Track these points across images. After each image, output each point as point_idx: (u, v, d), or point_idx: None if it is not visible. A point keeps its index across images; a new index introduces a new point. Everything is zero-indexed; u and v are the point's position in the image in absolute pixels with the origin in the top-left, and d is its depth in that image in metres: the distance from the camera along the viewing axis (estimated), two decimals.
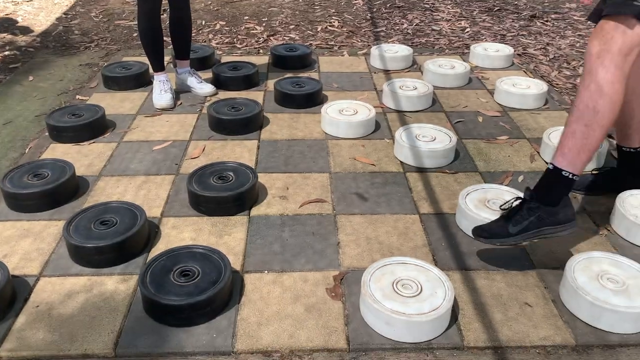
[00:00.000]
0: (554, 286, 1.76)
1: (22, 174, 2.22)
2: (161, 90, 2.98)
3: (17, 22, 4.75)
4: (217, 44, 4.24)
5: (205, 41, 4.27)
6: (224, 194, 2.06)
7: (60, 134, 2.64)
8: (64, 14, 4.99)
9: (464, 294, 1.73)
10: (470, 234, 1.88)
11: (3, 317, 1.63)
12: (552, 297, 1.72)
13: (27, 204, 2.10)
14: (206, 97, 3.13)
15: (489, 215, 1.93)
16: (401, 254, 1.89)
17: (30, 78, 3.59)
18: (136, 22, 4.69)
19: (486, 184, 2.19)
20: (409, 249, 1.93)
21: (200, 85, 3.14)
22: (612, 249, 1.93)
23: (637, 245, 1.94)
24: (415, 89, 3.03)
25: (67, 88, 3.42)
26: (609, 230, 2.03)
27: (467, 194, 2.08)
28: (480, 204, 2.03)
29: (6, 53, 4.07)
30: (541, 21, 4.78)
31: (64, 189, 2.16)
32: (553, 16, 4.92)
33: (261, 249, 1.93)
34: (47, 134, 2.73)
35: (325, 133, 2.73)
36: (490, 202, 2.05)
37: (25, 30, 4.55)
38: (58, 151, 2.58)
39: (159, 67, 3.01)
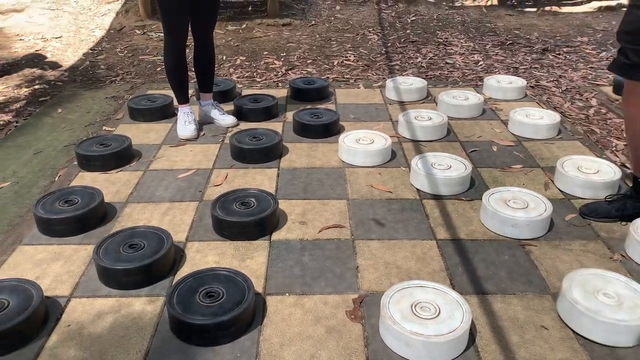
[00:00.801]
0: None
1: (54, 200, 2.32)
2: (185, 122, 3.11)
3: (46, 57, 4.97)
4: (237, 77, 4.39)
5: (226, 75, 4.42)
6: (246, 219, 2.14)
7: (88, 163, 2.75)
8: (91, 49, 5.21)
9: (481, 317, 1.77)
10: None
11: (37, 336, 1.70)
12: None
13: (58, 229, 2.19)
14: (228, 127, 3.26)
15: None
16: (419, 279, 1.93)
17: (59, 110, 3.74)
18: (160, 57, 4.88)
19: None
20: (427, 273, 1.98)
21: (223, 117, 3.27)
22: (627, 274, 1.96)
23: None
24: (430, 119, 3.12)
25: (94, 120, 3.56)
26: (623, 256, 2.06)
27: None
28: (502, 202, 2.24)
29: (36, 87, 4.25)
30: (553, 54, 4.88)
31: (93, 215, 2.26)
32: (565, 49, 5.01)
33: (282, 272, 1.99)
34: (75, 163, 2.84)
35: (343, 161, 2.81)
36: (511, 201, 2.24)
37: (54, 65, 4.75)
38: (86, 179, 2.69)
39: (184, 99, 3.16)
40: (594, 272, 1.85)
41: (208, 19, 3.03)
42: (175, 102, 3.26)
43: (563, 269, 1.99)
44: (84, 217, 2.22)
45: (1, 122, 3.63)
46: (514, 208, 2.21)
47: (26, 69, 4.64)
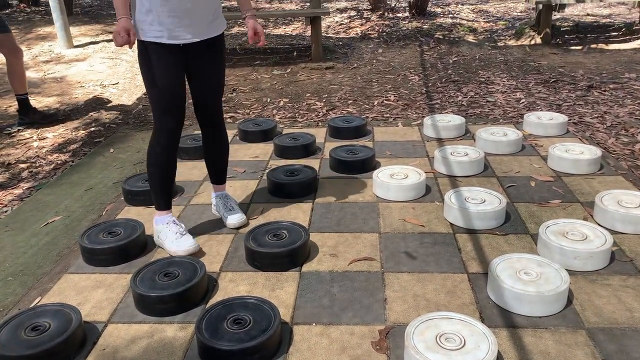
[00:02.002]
0: (604, 345, 1.72)
1: (98, 232, 2.45)
2: (177, 233, 2.38)
3: (103, 102, 5.30)
4: (280, 118, 4.53)
5: (269, 116, 4.58)
6: (277, 250, 2.19)
7: (133, 198, 2.90)
8: (144, 94, 5.52)
9: (510, 350, 1.73)
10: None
11: (74, 358, 1.78)
12: (602, 356, 1.68)
13: (101, 258, 2.31)
14: (234, 227, 2.59)
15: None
16: (448, 311, 1.91)
17: (111, 150, 3.97)
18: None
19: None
20: (456, 306, 1.96)
21: (227, 214, 2.62)
22: None
23: None
24: (467, 154, 3.12)
25: (143, 159, 3.75)
26: None
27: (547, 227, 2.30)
28: (561, 235, 2.22)
29: (92, 129, 4.52)
30: (599, 91, 4.80)
31: (134, 245, 2.37)
32: (611, 86, 4.92)
33: (311, 302, 2.01)
34: (122, 198, 3.00)
35: (377, 196, 2.84)
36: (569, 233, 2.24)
37: (110, 109, 5.05)
38: (131, 213, 2.82)
39: (166, 204, 2.45)
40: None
41: (209, 101, 2.45)
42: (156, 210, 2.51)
43: (600, 304, 1.93)
44: (125, 247, 2.33)
45: (59, 162, 3.88)
46: (571, 240, 2.18)
47: (85, 113, 4.96)
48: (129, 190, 2.90)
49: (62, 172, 3.67)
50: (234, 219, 2.59)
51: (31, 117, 4.61)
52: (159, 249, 2.45)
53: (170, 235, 2.38)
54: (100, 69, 6.31)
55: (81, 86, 5.85)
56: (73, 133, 4.45)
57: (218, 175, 2.67)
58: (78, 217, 2.93)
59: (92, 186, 3.35)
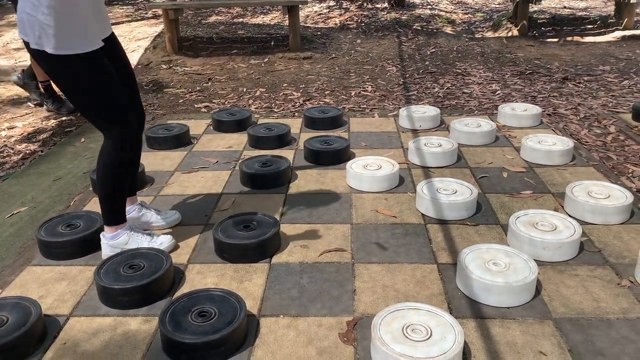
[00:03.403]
0: (571, 335, 1.73)
1: (57, 224, 2.39)
2: (146, 235, 2.27)
3: None
4: (256, 108, 4.48)
5: (245, 106, 4.52)
6: (246, 242, 2.16)
7: None
8: None
9: (478, 341, 1.72)
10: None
11: (33, 352, 1.73)
12: (568, 346, 1.69)
13: (57, 252, 2.25)
14: (165, 245, 2.28)
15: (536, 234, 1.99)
16: (416, 302, 1.90)
17: (82, 139, 3.88)
18: (183, 89, 5.04)
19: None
20: (425, 297, 1.95)
21: (163, 215, 2.48)
22: (635, 300, 1.89)
23: None
24: (440, 145, 3.11)
25: None
26: (632, 282, 1.99)
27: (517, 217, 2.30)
28: (530, 226, 2.23)
29: (63, 118, 4.42)
30: (573, 83, 4.83)
31: (92, 238, 2.29)
32: (586, 78, 4.96)
33: (279, 294, 1.99)
34: (91, 188, 2.93)
35: (350, 187, 2.82)
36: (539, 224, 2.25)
37: None
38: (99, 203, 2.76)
39: (123, 216, 2.25)
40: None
41: (133, 82, 2.29)
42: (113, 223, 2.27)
43: (567, 294, 1.93)
44: (84, 241, 2.27)
45: (27, 152, 3.78)
46: (541, 230, 2.17)
47: None
48: None
49: (30, 162, 3.58)
50: (172, 217, 2.48)
51: (49, 106, 4.55)
52: None
53: (142, 240, 2.23)
54: None
55: None
56: (43, 122, 4.34)
57: (134, 184, 2.44)
58: (44, 208, 2.86)
59: (61, 176, 3.27)
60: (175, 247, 2.30)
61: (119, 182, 2.17)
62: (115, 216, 2.21)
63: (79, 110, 2.15)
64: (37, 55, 1.93)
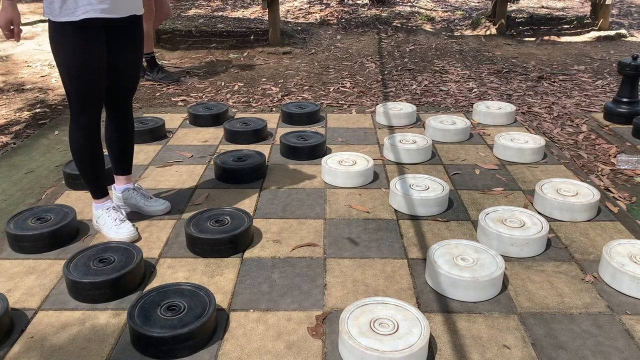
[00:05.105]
0: (534, 329, 1.77)
1: (27, 217, 2.36)
2: (116, 220, 2.31)
3: (50, 83, 5.11)
4: (233, 102, 4.46)
5: (222, 100, 4.51)
6: (217, 236, 2.16)
7: (74, 182, 2.80)
8: None
9: (444, 335, 1.75)
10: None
11: None
12: (531, 340, 1.73)
13: (26, 245, 2.23)
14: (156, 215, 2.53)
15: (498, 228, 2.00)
16: (385, 296, 1.92)
17: (56, 132, 3.83)
18: (160, 83, 5.00)
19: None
20: (394, 291, 1.97)
21: (150, 203, 2.53)
22: (597, 295, 1.94)
23: (621, 293, 1.94)
24: (415, 142, 3.14)
25: None
26: (595, 277, 2.04)
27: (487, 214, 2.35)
28: (499, 222, 2.27)
29: (37, 111, 4.35)
30: (548, 82, 4.91)
31: (62, 232, 2.28)
32: (561, 77, 5.04)
33: (250, 288, 1.99)
34: (63, 182, 2.90)
35: (325, 182, 2.83)
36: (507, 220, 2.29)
37: (57, 90, 4.87)
38: (72, 197, 2.73)
39: (102, 192, 2.37)
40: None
41: (129, 84, 2.34)
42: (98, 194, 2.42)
43: (533, 289, 1.97)
44: (53, 234, 2.25)
45: (0, 144, 3.72)
46: (509, 227, 2.21)
47: (30, 94, 4.77)
48: (70, 174, 2.81)
49: (2, 154, 3.52)
50: (160, 204, 2.54)
51: (153, 76, 5.01)
52: (96, 234, 2.38)
53: (109, 221, 2.32)
54: (48, 49, 6.08)
55: (28, 66, 5.62)
56: (16, 114, 4.28)
57: (127, 163, 2.52)
58: (15, 201, 2.82)
59: (33, 169, 3.23)
60: (136, 239, 2.31)
61: (80, 162, 2.30)
62: (92, 191, 2.37)
63: None
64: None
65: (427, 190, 2.56)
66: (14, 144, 3.71)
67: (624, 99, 3.68)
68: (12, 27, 1.97)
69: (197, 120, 3.74)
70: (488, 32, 6.81)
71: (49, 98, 4.66)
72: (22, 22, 2.06)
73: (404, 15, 7.64)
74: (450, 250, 2.07)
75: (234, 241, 2.18)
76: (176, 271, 2.10)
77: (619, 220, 2.45)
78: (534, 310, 1.87)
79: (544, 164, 3.07)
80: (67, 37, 2.02)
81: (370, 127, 3.69)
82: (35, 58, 5.82)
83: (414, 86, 4.83)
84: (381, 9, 7.89)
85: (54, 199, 2.73)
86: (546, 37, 6.66)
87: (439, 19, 7.70)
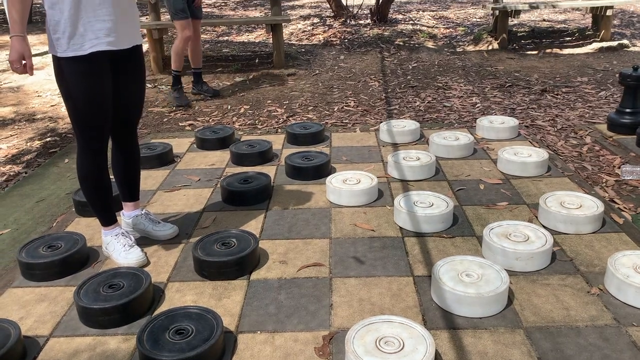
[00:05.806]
0: (540, 343, 1.77)
1: (38, 246, 2.40)
2: (125, 246, 2.35)
3: (60, 112, 5.21)
4: (240, 125, 4.53)
5: (229, 123, 4.57)
6: (224, 259, 2.19)
7: (84, 209, 2.85)
8: None
9: (450, 351, 1.76)
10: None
11: None
12: (537, 354, 1.73)
13: (38, 273, 2.27)
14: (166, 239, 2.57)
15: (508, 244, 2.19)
16: (391, 314, 1.94)
17: (66, 160, 3.90)
18: (168, 108, 5.08)
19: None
20: (400, 309, 1.99)
21: (158, 228, 2.57)
22: (603, 307, 1.94)
23: (627, 304, 1.94)
24: (419, 159, 3.17)
25: None
26: (601, 289, 2.04)
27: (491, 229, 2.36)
28: (504, 237, 2.29)
29: (47, 140, 4.44)
30: (552, 95, 4.93)
31: (73, 260, 2.33)
32: (564, 90, 5.06)
33: (257, 310, 2.02)
34: (73, 209, 2.95)
35: (330, 202, 2.86)
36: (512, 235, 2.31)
37: (67, 119, 4.97)
38: (82, 224, 2.78)
39: (110, 219, 2.41)
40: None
41: (134, 112, 2.39)
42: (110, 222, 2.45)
43: (538, 303, 1.98)
44: (64, 262, 2.29)
45: (11, 173, 3.80)
46: (513, 241, 2.22)
47: (41, 123, 4.87)
48: (79, 201, 2.86)
49: (14, 184, 3.59)
50: (168, 228, 2.58)
51: (199, 88, 5.38)
52: (106, 260, 2.42)
53: (118, 247, 2.36)
54: None
55: (38, 95, 5.74)
56: (28, 144, 4.36)
57: (134, 190, 2.56)
58: (27, 229, 2.88)
59: (44, 197, 3.29)
60: (145, 264, 2.35)
61: (88, 190, 2.34)
62: (100, 219, 2.41)
63: None
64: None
65: (432, 206, 2.58)
66: (26, 172, 3.78)
67: (627, 110, 3.69)
68: (24, 61, 2.04)
69: (204, 144, 3.80)
70: (490, 47, 6.87)
71: (59, 127, 4.75)
72: (33, 53, 2.13)
73: (406, 34, 7.72)
74: (455, 267, 2.08)
75: (240, 263, 2.21)
76: (184, 295, 2.13)
77: (624, 231, 2.45)
78: (540, 324, 1.87)
79: (548, 177, 3.08)
80: (74, 71, 2.08)
81: (374, 145, 3.73)
82: (45, 88, 5.94)
83: (417, 103, 4.87)
84: (383, 28, 7.98)
85: (64, 227, 2.78)
86: (548, 50, 6.70)
87: (441, 35, 7.77)
